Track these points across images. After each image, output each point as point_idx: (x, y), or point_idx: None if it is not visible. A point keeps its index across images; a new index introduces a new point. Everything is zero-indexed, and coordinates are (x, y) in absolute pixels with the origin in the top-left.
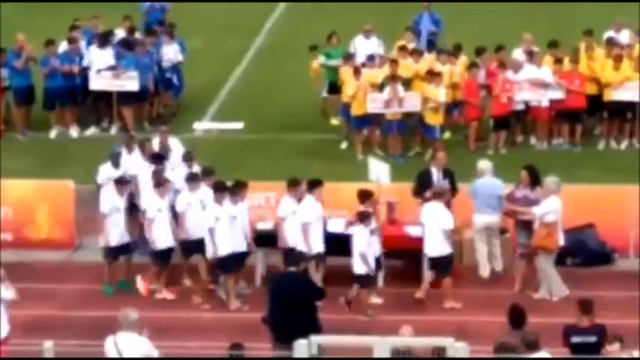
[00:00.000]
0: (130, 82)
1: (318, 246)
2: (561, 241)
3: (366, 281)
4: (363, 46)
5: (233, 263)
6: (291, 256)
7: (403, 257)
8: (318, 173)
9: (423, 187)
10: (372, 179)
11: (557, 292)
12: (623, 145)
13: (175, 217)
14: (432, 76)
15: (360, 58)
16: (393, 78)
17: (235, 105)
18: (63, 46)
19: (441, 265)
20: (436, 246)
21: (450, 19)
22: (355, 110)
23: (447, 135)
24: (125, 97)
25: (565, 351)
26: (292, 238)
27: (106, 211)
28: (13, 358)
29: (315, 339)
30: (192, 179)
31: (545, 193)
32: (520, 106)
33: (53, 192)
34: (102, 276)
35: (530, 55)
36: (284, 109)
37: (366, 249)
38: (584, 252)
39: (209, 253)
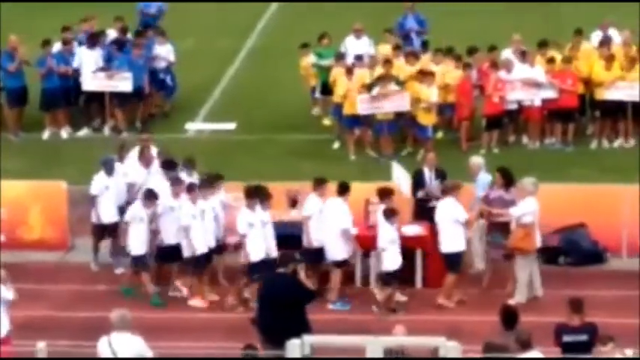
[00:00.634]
0: (124, 83)
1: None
2: (538, 242)
3: (392, 278)
4: (354, 46)
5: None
6: (282, 257)
7: None
8: (311, 173)
9: (415, 187)
10: (394, 181)
11: (518, 295)
12: (616, 143)
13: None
14: (424, 75)
15: (351, 58)
16: (385, 78)
17: (227, 105)
18: (57, 47)
19: (452, 261)
20: (451, 241)
21: (441, 19)
22: (347, 110)
23: (439, 135)
24: (118, 97)
25: (557, 350)
26: (317, 237)
27: (129, 220)
28: (7, 359)
29: (308, 339)
30: (205, 185)
31: (521, 193)
32: (513, 106)
33: (46, 193)
34: (95, 277)
35: (523, 55)
36: (276, 109)
37: (391, 245)
38: (576, 251)
39: (247, 256)
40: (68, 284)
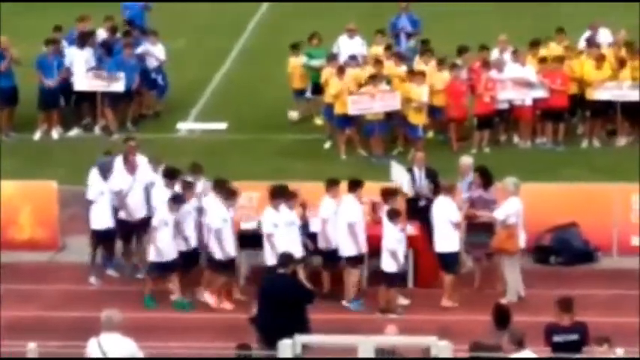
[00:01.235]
0: (116, 83)
1: (364, 246)
2: (522, 242)
3: (395, 279)
4: (347, 45)
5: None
6: (281, 257)
7: None
8: (302, 173)
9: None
10: (394, 181)
11: (508, 295)
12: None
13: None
14: (414, 75)
15: (344, 58)
16: (376, 77)
17: (219, 105)
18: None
19: (448, 261)
20: (445, 242)
21: (432, 20)
22: (338, 109)
23: (430, 134)
24: (109, 98)
25: (548, 350)
26: (334, 239)
27: (156, 225)
28: None
29: (300, 338)
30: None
31: (503, 194)
32: (504, 105)
33: (37, 193)
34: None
35: (515, 54)
36: (267, 109)
37: (396, 246)
38: (567, 251)
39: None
40: (59, 284)
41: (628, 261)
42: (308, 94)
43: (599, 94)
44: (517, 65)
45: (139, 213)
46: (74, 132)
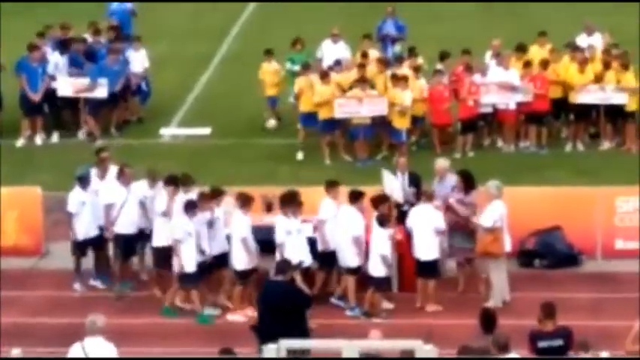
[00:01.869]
0: (99, 90)
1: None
2: (507, 245)
3: (382, 283)
4: (331, 50)
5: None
6: (279, 264)
7: None
8: (286, 178)
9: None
10: (386, 191)
11: (493, 299)
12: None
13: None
14: (397, 80)
15: (327, 62)
16: (362, 81)
17: (202, 110)
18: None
19: (430, 269)
20: (426, 249)
21: (415, 22)
22: (324, 114)
23: (413, 139)
24: (91, 104)
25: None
26: (332, 241)
27: (180, 237)
28: None
29: (284, 343)
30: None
31: (486, 197)
32: (487, 109)
33: (21, 199)
34: (70, 283)
35: (498, 58)
36: (251, 114)
37: (387, 251)
38: (551, 254)
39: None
40: (43, 290)
41: (612, 264)
42: (291, 99)
43: (583, 97)
44: (500, 69)
45: (133, 227)
46: (57, 138)
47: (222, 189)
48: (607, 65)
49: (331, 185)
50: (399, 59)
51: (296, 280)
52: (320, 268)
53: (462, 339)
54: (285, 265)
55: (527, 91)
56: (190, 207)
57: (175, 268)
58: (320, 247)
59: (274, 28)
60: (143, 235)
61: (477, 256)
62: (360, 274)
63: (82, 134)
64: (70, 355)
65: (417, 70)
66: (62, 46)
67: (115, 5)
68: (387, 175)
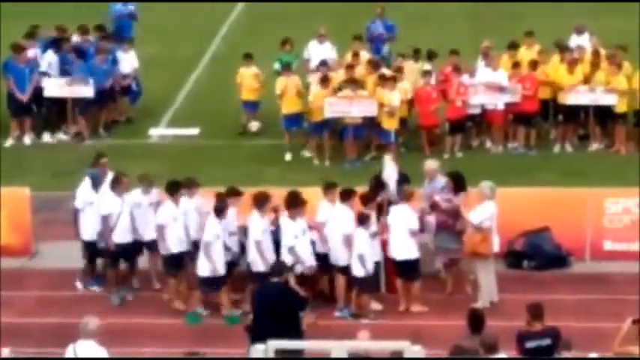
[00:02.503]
0: (85, 89)
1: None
2: (496, 246)
3: (363, 284)
4: (317, 51)
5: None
6: (275, 266)
7: None
8: (274, 178)
9: (375, 191)
10: (383, 176)
11: (481, 300)
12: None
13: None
14: (385, 80)
15: (314, 63)
16: (351, 81)
17: (191, 111)
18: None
19: (409, 269)
20: (403, 250)
21: (403, 23)
22: (314, 116)
23: (401, 139)
24: (80, 103)
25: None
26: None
27: (210, 240)
28: None
29: (272, 343)
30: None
31: (479, 197)
32: (476, 110)
33: (10, 199)
34: (59, 283)
35: (487, 59)
36: (239, 115)
37: (365, 251)
38: (540, 255)
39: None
40: (32, 290)
41: (601, 265)
42: (279, 100)
43: (572, 98)
44: (489, 70)
45: (129, 236)
46: (46, 138)
47: (239, 189)
48: (596, 66)
49: (329, 187)
50: (385, 60)
51: (290, 281)
52: (320, 270)
53: (450, 340)
54: (280, 267)
55: (515, 91)
56: (221, 210)
57: (204, 272)
58: (319, 249)
59: (263, 29)
60: (136, 244)
61: (466, 256)
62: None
63: (62, 134)
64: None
65: (399, 71)
66: (55, 45)
67: (118, 6)
68: (387, 162)
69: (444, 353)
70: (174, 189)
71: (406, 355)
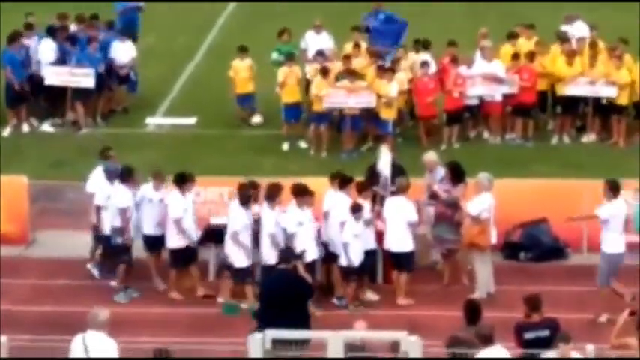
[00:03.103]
0: (86, 79)
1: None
2: (493, 238)
3: (347, 273)
4: (314, 41)
5: None
6: (282, 253)
7: None
8: (271, 169)
9: (371, 182)
10: (378, 166)
11: (479, 290)
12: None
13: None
14: (383, 71)
15: (311, 53)
16: (349, 72)
17: (188, 101)
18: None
19: (403, 260)
20: (399, 241)
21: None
22: (316, 107)
23: (398, 130)
24: (79, 92)
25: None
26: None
27: (238, 229)
28: None
29: (270, 333)
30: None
31: (476, 189)
32: (473, 101)
33: (7, 187)
34: (56, 271)
35: (482, 50)
36: (236, 105)
37: (350, 240)
38: (537, 247)
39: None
40: (29, 279)
41: (598, 257)
42: (277, 89)
43: (572, 89)
44: (484, 62)
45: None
46: (44, 126)
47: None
48: (593, 58)
49: (335, 178)
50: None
51: (299, 269)
52: (324, 260)
53: (447, 330)
54: (288, 254)
55: (512, 82)
56: (247, 199)
57: (237, 262)
58: (325, 238)
59: (260, 20)
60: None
61: (463, 247)
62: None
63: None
64: (71, 347)
65: (397, 62)
66: (52, 33)
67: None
68: (383, 152)
69: (440, 344)
70: (182, 181)
71: (403, 346)
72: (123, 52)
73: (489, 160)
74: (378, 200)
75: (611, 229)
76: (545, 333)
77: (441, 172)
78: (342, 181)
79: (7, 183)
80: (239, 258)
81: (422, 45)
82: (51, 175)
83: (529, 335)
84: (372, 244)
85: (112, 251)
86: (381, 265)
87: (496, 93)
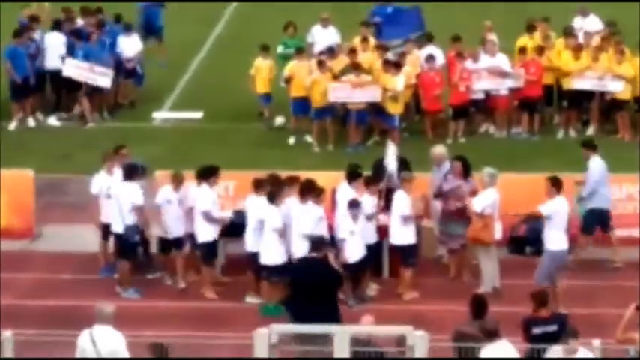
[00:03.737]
0: (103, 79)
1: None
2: (498, 233)
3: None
4: (321, 35)
5: None
6: (313, 241)
7: None
8: (276, 163)
9: (378, 176)
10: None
11: (485, 284)
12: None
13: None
14: (389, 65)
15: (318, 47)
16: (354, 67)
17: (194, 95)
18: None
19: (404, 254)
20: (401, 234)
21: None
22: (317, 102)
23: (404, 124)
24: (88, 87)
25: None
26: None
27: (278, 227)
28: None
29: (276, 327)
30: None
31: (481, 184)
32: (479, 95)
33: (13, 181)
34: (61, 266)
35: (485, 45)
36: (242, 98)
37: (347, 237)
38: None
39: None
40: (34, 272)
41: (603, 252)
42: (282, 83)
43: (578, 83)
44: (487, 56)
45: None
46: (51, 120)
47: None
48: (598, 50)
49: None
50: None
51: (330, 257)
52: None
53: (452, 325)
54: (319, 242)
55: (518, 76)
56: (274, 198)
57: (268, 260)
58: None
59: (266, 13)
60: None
61: (468, 242)
62: None
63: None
64: (78, 342)
65: (398, 65)
66: (58, 25)
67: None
68: (390, 147)
69: (446, 338)
70: (209, 174)
71: (409, 340)
72: (128, 46)
73: (495, 154)
74: (382, 195)
75: (554, 226)
76: (554, 328)
77: (447, 166)
78: (349, 175)
79: (12, 177)
80: (273, 256)
81: (425, 38)
82: (56, 169)
83: (537, 330)
84: (373, 238)
85: (126, 249)
86: (387, 259)
87: (502, 87)
